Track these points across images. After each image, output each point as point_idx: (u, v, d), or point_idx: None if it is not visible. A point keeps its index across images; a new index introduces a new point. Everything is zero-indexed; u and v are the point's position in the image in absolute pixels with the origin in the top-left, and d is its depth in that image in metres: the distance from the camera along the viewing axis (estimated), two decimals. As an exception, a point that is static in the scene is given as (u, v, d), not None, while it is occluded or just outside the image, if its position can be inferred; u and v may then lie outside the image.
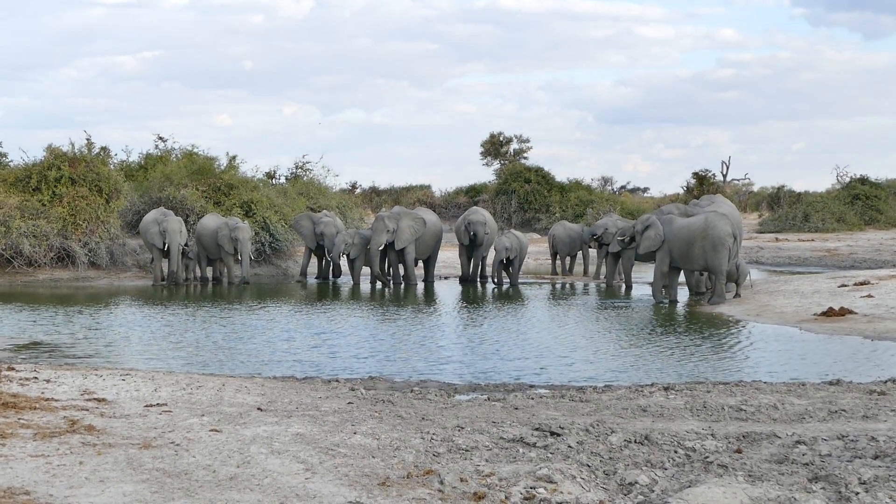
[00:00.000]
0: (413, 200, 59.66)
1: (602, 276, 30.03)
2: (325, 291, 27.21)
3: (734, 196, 62.97)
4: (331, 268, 30.26)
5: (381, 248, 28.36)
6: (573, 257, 32.18)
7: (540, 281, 30.56)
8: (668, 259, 23.10)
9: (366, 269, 29.41)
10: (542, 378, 13.58)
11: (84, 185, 30.14)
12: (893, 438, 8.66)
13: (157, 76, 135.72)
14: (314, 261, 30.94)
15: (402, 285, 28.54)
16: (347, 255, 28.97)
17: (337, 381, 12.82)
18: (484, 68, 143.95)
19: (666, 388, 11.88)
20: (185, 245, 28.47)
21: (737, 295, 23.22)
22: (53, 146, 31.54)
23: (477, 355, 15.62)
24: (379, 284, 28.73)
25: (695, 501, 6.90)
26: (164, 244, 27.71)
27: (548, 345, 16.73)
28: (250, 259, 29.32)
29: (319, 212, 32.40)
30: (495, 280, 29.01)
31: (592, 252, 32.11)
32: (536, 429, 9.12)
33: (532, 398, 11.38)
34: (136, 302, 23.42)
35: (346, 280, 29.89)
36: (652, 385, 12.35)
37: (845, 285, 23.05)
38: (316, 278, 30.53)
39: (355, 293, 26.71)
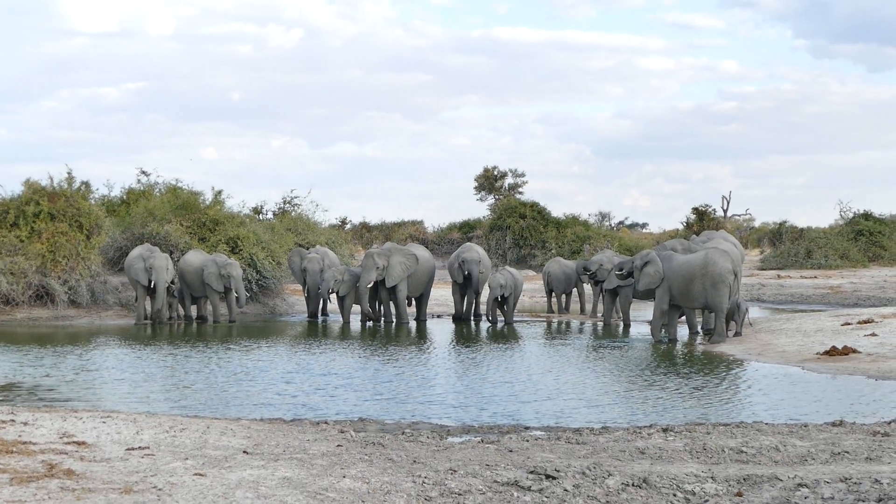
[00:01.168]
0: (405, 236, 59.72)
1: (599, 314, 30.09)
2: (314, 331, 27.20)
3: (735, 232, 63.13)
4: (319, 305, 30.34)
5: (370, 286, 28.41)
6: (569, 295, 32.24)
7: (535, 319, 30.59)
8: (668, 297, 23.14)
9: (356, 308, 29.46)
10: (537, 420, 13.59)
11: (64, 220, 30.18)
12: (898, 481, 8.68)
13: (141, 108, 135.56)
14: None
15: (394, 324, 28.57)
16: (337, 293, 29.01)
17: (326, 423, 12.81)
18: (478, 100, 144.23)
19: (665, 430, 11.90)
20: (171, 283, 28.46)
21: (737, 333, 23.27)
22: (32, 180, 31.57)
23: (470, 396, 15.62)
24: (370, 323, 28.79)
25: (694, 546, 6.92)
26: (150, 281, 27.72)
27: (543, 385, 16.73)
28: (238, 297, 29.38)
29: (311, 247, 32.53)
30: (489, 318, 29.03)
31: (588, 290, 32.15)
32: (531, 472, 9.13)
33: (527, 440, 11.38)
34: (118, 342, 23.39)
35: (334, 318, 29.90)
36: (650, 426, 12.37)
37: (849, 324, 23.11)
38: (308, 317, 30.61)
39: (345, 332, 26.70)
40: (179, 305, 29.56)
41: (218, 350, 21.62)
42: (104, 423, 11.26)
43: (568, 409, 14.41)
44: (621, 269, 25.18)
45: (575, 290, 32.13)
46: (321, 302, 30.38)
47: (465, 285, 29.54)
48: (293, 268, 30.81)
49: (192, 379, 17.29)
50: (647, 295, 24.26)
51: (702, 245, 24.72)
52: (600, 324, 28.47)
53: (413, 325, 28.79)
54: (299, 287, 32.96)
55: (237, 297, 28.79)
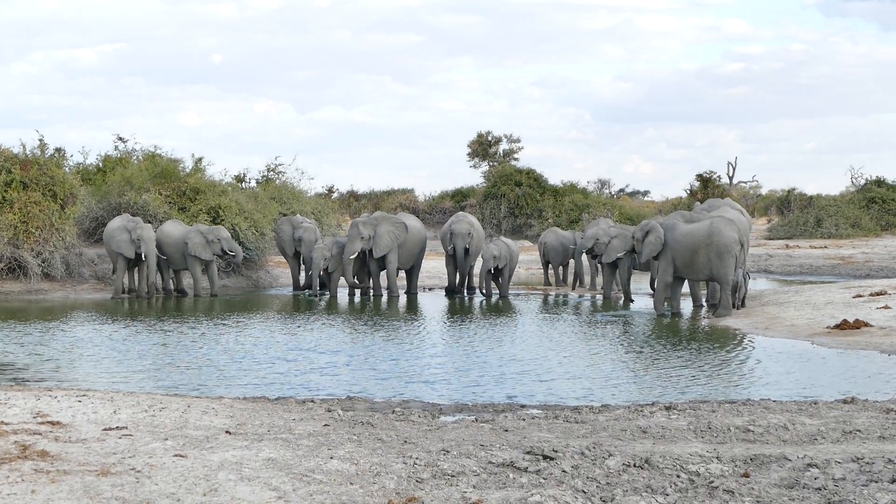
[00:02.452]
0: (395, 205, 59.73)
1: (598, 287, 30.09)
2: (300, 305, 27.19)
3: (741, 199, 63.21)
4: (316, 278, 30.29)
5: (354, 257, 28.35)
6: (566, 266, 32.22)
7: (531, 292, 30.59)
8: (672, 268, 23.10)
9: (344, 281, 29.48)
10: (534, 397, 13.59)
11: (37, 189, 30.02)
12: (912, 461, 8.70)
13: (118, 71, 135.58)
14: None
15: (384, 297, 28.56)
16: (326, 269, 28.90)
17: (312, 401, 12.82)
18: (472, 62, 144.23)
19: (668, 408, 11.91)
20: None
21: (741, 305, 23.32)
22: (3, 147, 31.39)
23: (464, 373, 15.62)
24: (358, 293, 28.85)
25: (699, 530, 6.92)
26: (138, 254, 27.81)
27: (540, 361, 16.74)
28: (227, 265, 29.56)
29: (292, 216, 32.53)
30: (483, 291, 29.03)
31: (587, 261, 32.12)
32: (528, 452, 9.13)
33: (523, 419, 11.39)
34: (95, 316, 23.37)
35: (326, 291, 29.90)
36: (653, 404, 12.38)
37: (860, 296, 23.14)
38: (294, 290, 30.59)
39: (332, 306, 26.69)
40: (159, 278, 29.57)
41: (199, 325, 21.61)
42: (80, 402, 11.24)
43: (566, 387, 14.42)
44: (621, 252, 25.44)
45: (572, 261, 32.11)
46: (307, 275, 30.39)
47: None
48: (283, 238, 30.67)
49: (172, 356, 17.27)
50: (648, 267, 24.32)
51: (706, 214, 24.65)
52: (599, 297, 28.48)
53: (404, 298, 28.80)
54: (283, 259, 32.98)
55: (234, 255, 29.07)
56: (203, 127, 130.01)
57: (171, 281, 29.59)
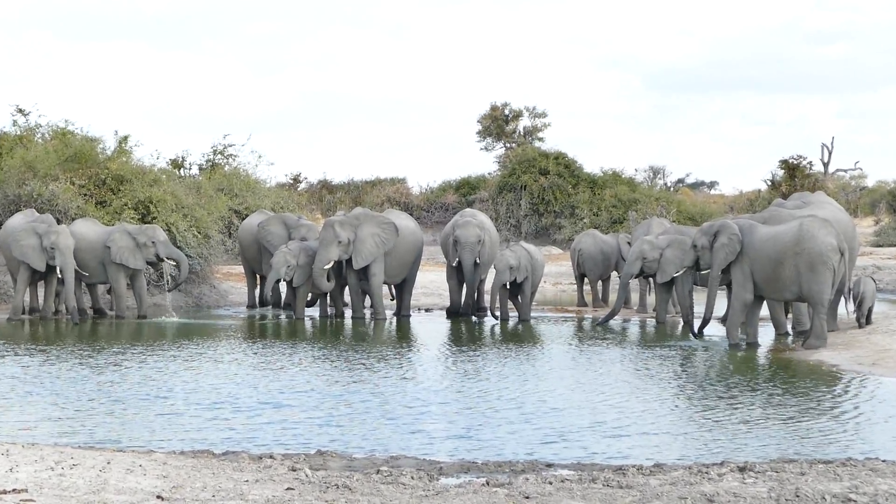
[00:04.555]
0: (381, 200, 59.86)
1: (650, 309, 30.09)
2: (255, 329, 27.20)
3: (839, 193, 63.25)
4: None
5: (328, 267, 28.20)
6: (606, 281, 32.19)
7: (561, 314, 30.59)
8: (751, 283, 22.85)
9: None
10: (563, 454, 13.58)
11: (-89, 176, 30.12)
12: None
13: (19, 23, 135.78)
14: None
15: (367, 320, 28.57)
16: (290, 282, 28.76)
17: (271, 457, 12.81)
18: (483, 11, 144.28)
19: (741, 469, 11.90)
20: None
21: (867, 321, 23.69)
22: None
23: (471, 421, 15.61)
24: (331, 310, 29.00)
25: None
26: (50, 266, 27.63)
27: (572, 407, 16.73)
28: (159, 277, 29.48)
29: (250, 214, 32.57)
30: (497, 313, 28.96)
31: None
32: (556, 527, 9.13)
33: (550, 482, 11.38)
34: (-15, 344, 23.40)
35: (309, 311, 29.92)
36: (721, 464, 12.36)
37: None
38: (268, 306, 30.69)
39: (299, 330, 26.69)
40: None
41: (122, 356, 21.59)
42: (-35, 456, 11.24)
43: (606, 441, 14.41)
44: (680, 271, 25.46)
45: (615, 274, 32.08)
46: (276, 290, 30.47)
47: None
48: (274, 241, 30.05)
49: (87, 396, 17.24)
50: (705, 280, 24.43)
51: (794, 213, 24.47)
52: (651, 321, 28.47)
53: (393, 321, 28.79)
54: (234, 269, 32.99)
55: (177, 264, 28.91)
56: (130, 96, 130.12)
57: (83, 298, 29.51)
